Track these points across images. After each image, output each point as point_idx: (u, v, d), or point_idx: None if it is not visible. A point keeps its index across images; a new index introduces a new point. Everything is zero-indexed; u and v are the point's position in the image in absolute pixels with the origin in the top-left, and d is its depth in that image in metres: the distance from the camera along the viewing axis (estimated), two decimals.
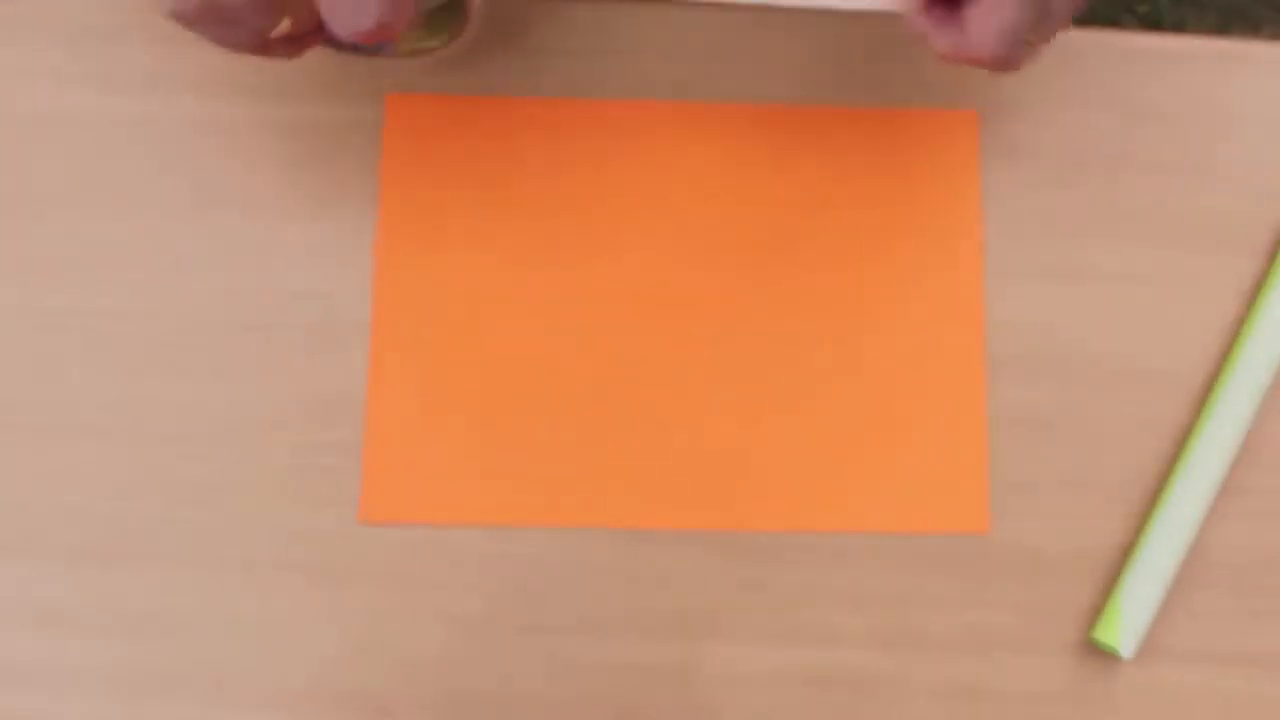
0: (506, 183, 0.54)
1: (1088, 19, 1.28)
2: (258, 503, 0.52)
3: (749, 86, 0.55)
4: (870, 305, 0.54)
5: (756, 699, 0.52)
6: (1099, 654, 0.52)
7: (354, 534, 0.52)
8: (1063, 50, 0.56)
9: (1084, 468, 0.53)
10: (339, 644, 0.51)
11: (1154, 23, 1.28)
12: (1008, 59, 0.41)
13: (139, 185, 0.54)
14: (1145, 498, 0.53)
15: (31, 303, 0.53)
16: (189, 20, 0.42)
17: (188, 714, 0.51)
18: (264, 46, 0.44)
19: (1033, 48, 0.43)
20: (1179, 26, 1.28)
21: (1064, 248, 0.55)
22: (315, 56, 0.55)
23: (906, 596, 0.52)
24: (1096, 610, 0.52)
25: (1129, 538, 0.53)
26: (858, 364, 0.53)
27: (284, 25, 0.45)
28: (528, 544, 0.52)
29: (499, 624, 0.52)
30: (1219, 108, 0.56)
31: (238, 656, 0.51)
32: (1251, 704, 0.52)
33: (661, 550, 0.52)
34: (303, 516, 0.52)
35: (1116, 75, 0.56)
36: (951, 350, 0.53)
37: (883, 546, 0.52)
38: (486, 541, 0.52)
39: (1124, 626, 0.50)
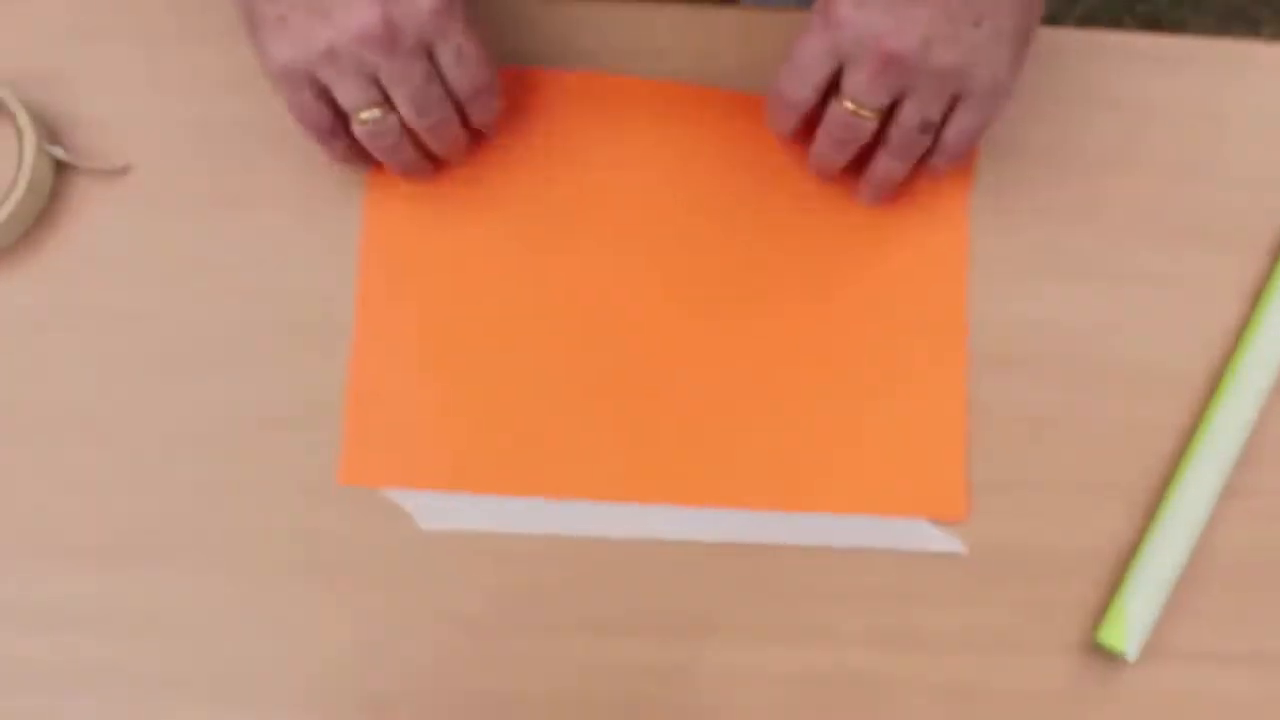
0: (493, 166, 0.54)
1: (1088, 19, 1.28)
2: (258, 502, 0.52)
3: (746, 85, 0.55)
4: (854, 300, 0.54)
5: (756, 699, 0.52)
6: (1101, 654, 0.52)
7: (354, 534, 0.52)
8: (1063, 50, 0.56)
9: (1087, 467, 0.53)
10: (340, 644, 0.51)
11: (1154, 23, 1.28)
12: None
13: (137, 185, 0.54)
14: (1149, 498, 0.53)
15: (32, 303, 0.53)
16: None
17: (188, 713, 0.51)
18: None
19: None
20: (1179, 26, 1.28)
21: (1065, 248, 0.55)
22: None
23: (906, 596, 0.52)
24: (1098, 610, 0.52)
25: (1131, 538, 0.53)
26: (840, 353, 0.53)
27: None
28: (528, 544, 0.52)
29: (499, 624, 0.52)
30: (1219, 108, 0.56)
31: (238, 656, 0.51)
32: (1255, 704, 0.52)
33: (661, 551, 0.52)
34: (302, 516, 0.52)
35: (1116, 75, 0.56)
36: (932, 342, 0.54)
37: (882, 546, 0.52)
38: (487, 542, 0.52)
39: (1129, 628, 0.50)
